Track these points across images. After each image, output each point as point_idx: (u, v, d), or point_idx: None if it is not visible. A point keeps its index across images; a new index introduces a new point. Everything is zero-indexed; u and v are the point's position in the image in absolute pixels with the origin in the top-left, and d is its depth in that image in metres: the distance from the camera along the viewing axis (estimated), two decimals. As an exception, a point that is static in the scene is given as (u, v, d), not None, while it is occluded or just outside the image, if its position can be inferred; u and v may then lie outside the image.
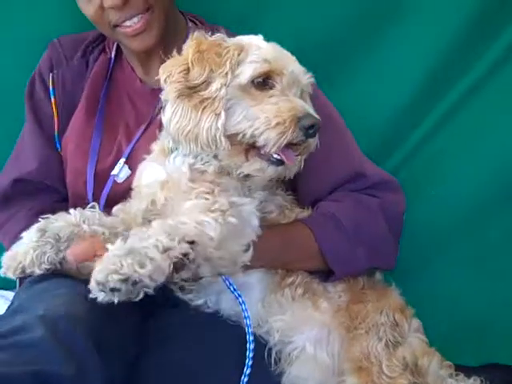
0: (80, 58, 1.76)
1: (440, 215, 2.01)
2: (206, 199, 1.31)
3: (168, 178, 1.41)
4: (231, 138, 1.34)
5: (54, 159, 1.75)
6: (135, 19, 1.57)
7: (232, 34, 1.73)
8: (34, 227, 1.46)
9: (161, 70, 1.39)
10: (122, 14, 1.56)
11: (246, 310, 1.39)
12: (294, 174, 1.44)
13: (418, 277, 2.00)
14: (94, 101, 1.72)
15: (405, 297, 1.59)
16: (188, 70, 1.35)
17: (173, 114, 1.34)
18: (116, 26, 1.58)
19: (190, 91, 1.34)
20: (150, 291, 1.15)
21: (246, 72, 1.34)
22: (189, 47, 1.39)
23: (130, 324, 1.44)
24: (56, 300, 1.31)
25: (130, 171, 1.64)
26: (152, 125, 1.66)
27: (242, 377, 1.35)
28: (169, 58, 1.41)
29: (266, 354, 1.49)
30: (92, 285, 1.14)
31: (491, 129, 1.95)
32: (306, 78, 1.38)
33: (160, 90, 1.41)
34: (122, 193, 1.56)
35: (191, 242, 1.22)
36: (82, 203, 1.57)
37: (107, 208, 1.57)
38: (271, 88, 1.34)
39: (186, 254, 1.21)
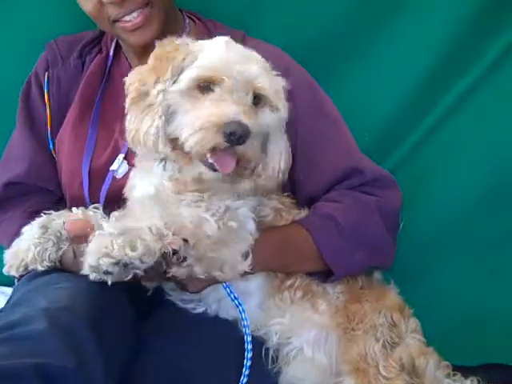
0: (76, 59, 1.75)
1: (439, 215, 2.00)
2: (199, 207, 1.30)
3: (156, 192, 1.40)
4: (174, 142, 1.34)
5: (45, 160, 1.74)
6: (134, 14, 1.56)
7: (229, 28, 1.74)
8: (36, 223, 1.46)
9: (126, 78, 1.40)
10: (121, 10, 1.55)
11: (245, 318, 1.41)
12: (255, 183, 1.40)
13: (417, 276, 2.00)
14: (89, 100, 1.71)
15: (404, 296, 1.59)
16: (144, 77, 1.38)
17: (127, 119, 1.37)
18: (115, 21, 1.58)
19: (141, 98, 1.36)
20: (140, 272, 1.19)
21: (186, 77, 1.33)
22: (151, 54, 1.40)
23: (130, 321, 1.44)
24: (58, 293, 1.31)
25: (128, 167, 1.64)
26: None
27: (241, 378, 1.37)
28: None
29: (263, 352, 1.49)
30: (85, 267, 1.18)
31: (490, 128, 1.94)
32: (259, 81, 1.32)
33: None
34: (121, 188, 1.56)
35: (185, 240, 1.23)
36: (79, 204, 1.56)
37: (107, 204, 1.57)
38: (213, 92, 1.31)
39: (175, 252, 1.23)
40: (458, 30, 1.89)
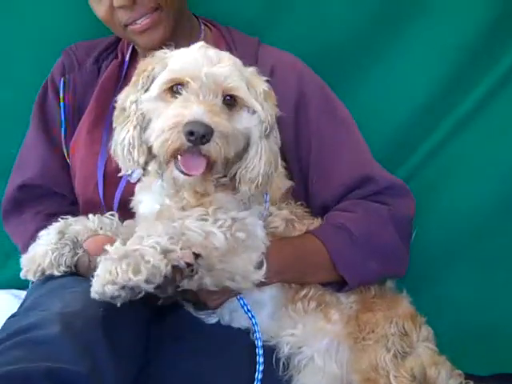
0: (92, 64, 1.77)
1: (451, 224, 1.99)
2: (205, 220, 1.30)
3: (161, 208, 1.40)
4: (151, 149, 1.34)
5: (59, 164, 1.75)
6: (143, 18, 1.58)
7: (244, 35, 1.74)
8: (53, 228, 1.48)
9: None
10: (131, 14, 1.57)
11: (258, 331, 1.42)
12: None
13: (430, 285, 2.00)
14: (104, 105, 1.71)
15: (416, 304, 1.59)
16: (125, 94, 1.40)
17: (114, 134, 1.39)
18: (126, 25, 1.60)
19: (121, 113, 1.39)
20: (151, 290, 1.18)
21: (157, 83, 1.34)
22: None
23: (143, 326, 1.46)
24: (71, 298, 1.32)
25: (142, 170, 1.65)
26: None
27: None
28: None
29: (274, 359, 1.50)
30: (92, 293, 1.18)
31: (503, 139, 1.93)
32: (228, 82, 1.30)
33: None
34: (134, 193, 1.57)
35: (197, 255, 1.23)
36: (93, 207, 1.58)
37: (120, 207, 1.59)
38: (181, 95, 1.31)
39: (189, 265, 1.23)
40: (472, 40, 1.89)
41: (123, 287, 1.16)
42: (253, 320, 1.41)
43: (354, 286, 1.52)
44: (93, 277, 1.20)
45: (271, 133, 1.38)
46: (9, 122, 1.98)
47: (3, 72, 1.97)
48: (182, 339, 1.47)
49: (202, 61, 1.31)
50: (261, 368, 1.40)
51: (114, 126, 1.41)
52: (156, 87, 1.33)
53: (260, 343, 1.41)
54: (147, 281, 1.16)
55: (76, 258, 1.47)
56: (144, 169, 1.41)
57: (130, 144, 1.36)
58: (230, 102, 1.32)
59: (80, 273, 1.48)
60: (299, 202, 1.58)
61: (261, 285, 1.38)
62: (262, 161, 1.35)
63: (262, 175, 1.35)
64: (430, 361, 1.48)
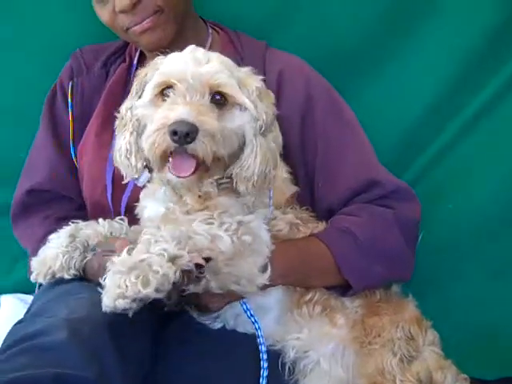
0: (100, 68, 1.77)
1: (457, 227, 1.99)
2: (211, 224, 1.30)
3: (166, 212, 1.41)
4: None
5: (67, 168, 1.76)
6: (145, 21, 1.59)
7: (251, 39, 1.75)
8: (64, 232, 1.48)
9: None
10: (132, 18, 1.58)
11: (261, 336, 1.41)
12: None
13: (436, 288, 1.99)
14: (112, 108, 1.70)
15: (421, 308, 1.58)
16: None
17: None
18: (128, 29, 1.61)
19: (120, 122, 1.41)
20: (161, 297, 1.19)
21: (148, 88, 1.35)
22: None
23: (149, 331, 1.46)
24: (78, 303, 1.33)
25: (149, 174, 1.65)
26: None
27: None
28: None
29: (280, 363, 1.50)
30: (103, 307, 1.18)
31: (510, 141, 1.92)
32: (214, 79, 1.30)
33: None
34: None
35: (207, 259, 1.23)
36: (101, 211, 1.59)
37: (127, 211, 1.59)
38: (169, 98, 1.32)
39: (199, 265, 1.23)
40: (480, 42, 1.89)
41: (134, 300, 1.16)
42: (256, 325, 1.41)
43: (359, 290, 1.51)
44: (100, 286, 1.21)
45: (268, 131, 1.37)
46: (18, 126, 1.99)
47: (12, 76, 1.98)
48: (188, 343, 1.48)
49: (189, 62, 1.31)
50: (265, 373, 1.40)
51: (116, 133, 1.43)
52: (148, 92, 1.34)
53: (264, 348, 1.41)
54: (157, 290, 1.17)
55: (84, 262, 1.47)
56: (150, 171, 1.42)
57: (127, 150, 1.37)
58: (221, 100, 1.32)
59: (87, 276, 1.48)
60: (305, 207, 1.58)
61: (265, 288, 1.38)
62: (257, 159, 1.34)
63: (258, 174, 1.34)
64: (436, 365, 1.48)
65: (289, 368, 1.50)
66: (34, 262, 1.49)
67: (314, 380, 1.46)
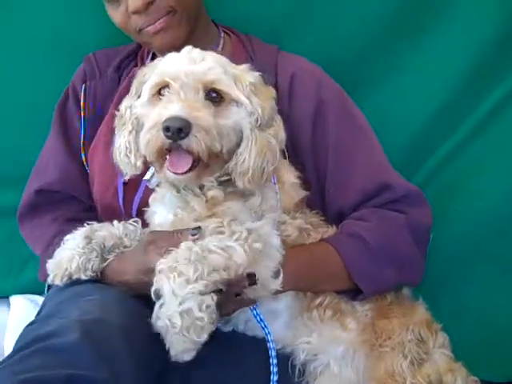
0: (113, 72, 1.77)
1: (467, 229, 1.98)
2: (222, 233, 1.31)
3: (175, 219, 1.41)
4: None
5: (77, 170, 1.76)
6: (158, 22, 1.60)
7: (263, 43, 1.75)
8: (79, 233, 1.48)
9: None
10: (146, 19, 1.59)
11: (271, 341, 1.41)
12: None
13: (446, 290, 1.98)
14: None
15: (432, 310, 1.58)
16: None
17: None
18: (141, 30, 1.61)
19: (119, 121, 1.43)
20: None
21: (145, 88, 1.36)
22: None
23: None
24: (90, 305, 1.33)
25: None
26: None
27: None
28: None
29: (290, 365, 1.49)
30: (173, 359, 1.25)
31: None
32: (207, 75, 1.31)
33: None
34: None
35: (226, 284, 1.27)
36: (112, 213, 1.59)
37: (138, 212, 1.59)
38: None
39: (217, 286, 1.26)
40: (489, 45, 1.88)
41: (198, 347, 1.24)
42: (266, 330, 1.41)
43: (370, 295, 1.52)
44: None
45: (267, 126, 1.36)
46: (29, 129, 2.00)
47: (24, 79, 1.99)
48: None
49: (183, 61, 1.33)
50: (275, 378, 1.40)
51: (115, 132, 1.44)
52: (145, 92, 1.36)
53: (274, 353, 1.41)
54: (211, 323, 1.22)
55: (105, 264, 1.47)
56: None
57: (126, 149, 1.39)
58: (217, 98, 1.33)
59: (106, 278, 1.48)
60: (315, 211, 1.58)
61: (276, 293, 1.39)
62: (252, 153, 1.34)
63: (254, 168, 1.34)
64: (446, 367, 1.48)
65: (299, 370, 1.50)
66: (50, 265, 1.49)
67: (324, 382, 1.46)
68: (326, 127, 1.62)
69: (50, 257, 1.52)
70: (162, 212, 1.45)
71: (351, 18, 1.91)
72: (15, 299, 2.07)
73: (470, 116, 1.94)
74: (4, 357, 1.74)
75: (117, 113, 1.44)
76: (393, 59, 1.94)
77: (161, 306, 1.23)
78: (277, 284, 1.36)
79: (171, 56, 1.38)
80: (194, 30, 1.66)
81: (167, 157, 1.29)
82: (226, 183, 1.38)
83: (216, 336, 1.45)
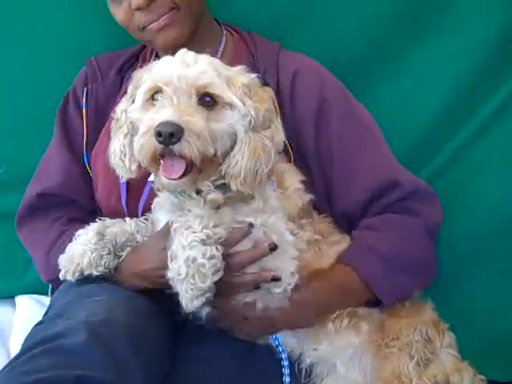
0: (115, 75, 1.77)
1: (475, 228, 1.97)
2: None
3: (177, 226, 1.39)
4: None
5: (79, 174, 1.75)
6: (161, 19, 1.59)
7: (265, 40, 1.75)
8: (91, 229, 1.48)
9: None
10: (149, 16, 1.58)
11: (285, 358, 1.45)
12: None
13: (453, 289, 1.97)
14: None
15: (438, 309, 1.58)
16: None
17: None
18: (144, 27, 1.61)
19: (115, 124, 1.43)
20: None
21: (139, 93, 1.36)
22: None
23: (167, 333, 1.47)
24: (97, 306, 1.34)
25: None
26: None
27: None
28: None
29: (296, 366, 1.50)
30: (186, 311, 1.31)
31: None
32: (200, 79, 1.30)
33: None
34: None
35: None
36: (116, 216, 1.58)
37: (144, 214, 1.59)
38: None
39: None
40: (495, 43, 1.88)
41: (204, 293, 1.26)
42: (283, 355, 1.45)
43: (391, 304, 1.53)
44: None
45: (262, 128, 1.35)
46: (32, 133, 2.00)
47: (25, 82, 1.99)
48: (207, 344, 1.48)
49: (176, 65, 1.32)
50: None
51: (111, 135, 1.44)
52: (139, 97, 1.36)
53: (287, 371, 1.44)
54: (214, 274, 1.27)
55: (121, 260, 1.48)
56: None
57: (121, 152, 1.39)
58: (210, 102, 1.32)
59: (120, 272, 1.49)
60: (323, 215, 1.58)
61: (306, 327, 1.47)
62: (244, 155, 1.33)
63: (246, 170, 1.33)
64: (453, 367, 1.48)
65: (305, 371, 1.50)
66: (62, 260, 1.49)
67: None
68: (330, 125, 1.61)
69: (56, 258, 1.52)
70: (165, 219, 1.45)
71: (355, 17, 1.90)
72: (21, 299, 2.07)
73: (475, 115, 1.93)
74: (10, 355, 1.78)
75: (113, 116, 1.45)
76: (398, 57, 1.93)
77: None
78: (293, 281, 1.39)
79: (165, 59, 1.37)
80: (197, 28, 1.65)
81: (161, 162, 1.29)
82: (225, 187, 1.37)
83: (224, 336, 1.47)
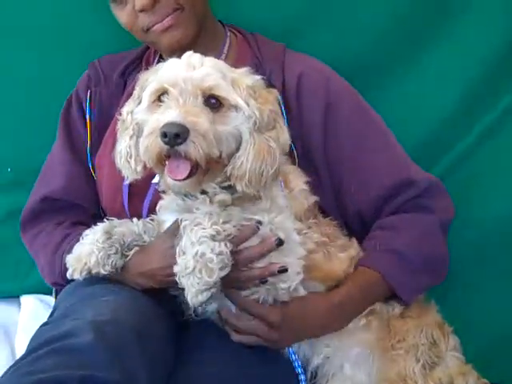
0: (118, 77, 1.77)
1: (479, 230, 1.98)
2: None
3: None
4: None
5: (82, 178, 1.75)
6: (165, 20, 1.59)
7: (270, 42, 1.75)
8: (99, 228, 1.48)
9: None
10: (153, 17, 1.58)
11: (302, 373, 1.46)
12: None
13: (458, 292, 1.97)
14: None
15: (443, 312, 1.59)
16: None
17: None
18: (148, 29, 1.61)
19: (121, 126, 1.44)
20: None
21: (145, 95, 1.36)
22: None
23: (172, 333, 1.47)
24: (103, 306, 1.34)
25: None
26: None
27: None
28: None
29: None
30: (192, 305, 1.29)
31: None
32: (206, 81, 1.30)
33: None
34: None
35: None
36: (120, 218, 1.57)
37: (148, 215, 1.58)
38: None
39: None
40: (504, 44, 1.89)
41: (210, 287, 1.25)
42: (296, 363, 1.47)
43: (411, 303, 1.56)
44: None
45: (266, 129, 1.35)
46: (37, 135, 2.00)
47: (28, 85, 2.00)
48: (211, 344, 1.47)
49: (182, 67, 1.33)
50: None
51: (117, 136, 1.44)
52: (145, 99, 1.36)
53: (303, 377, 1.45)
54: (221, 269, 1.26)
55: (128, 258, 1.48)
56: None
57: (127, 153, 1.40)
58: (216, 104, 1.32)
59: (128, 272, 1.48)
60: (328, 218, 1.58)
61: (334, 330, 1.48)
62: (249, 157, 1.33)
63: (251, 171, 1.33)
64: (458, 371, 1.49)
65: (311, 372, 1.50)
66: (70, 259, 1.48)
67: (337, 385, 1.47)
68: (339, 126, 1.62)
69: (59, 261, 1.54)
70: (171, 220, 1.44)
71: (362, 18, 1.91)
72: (25, 299, 2.08)
73: (482, 117, 1.94)
74: (15, 354, 1.78)
75: (119, 117, 1.45)
76: (408, 55, 1.94)
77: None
78: (297, 279, 1.39)
79: (171, 62, 1.38)
80: (200, 29, 1.65)
81: (166, 163, 1.29)
82: (232, 188, 1.37)
83: (227, 338, 1.47)
